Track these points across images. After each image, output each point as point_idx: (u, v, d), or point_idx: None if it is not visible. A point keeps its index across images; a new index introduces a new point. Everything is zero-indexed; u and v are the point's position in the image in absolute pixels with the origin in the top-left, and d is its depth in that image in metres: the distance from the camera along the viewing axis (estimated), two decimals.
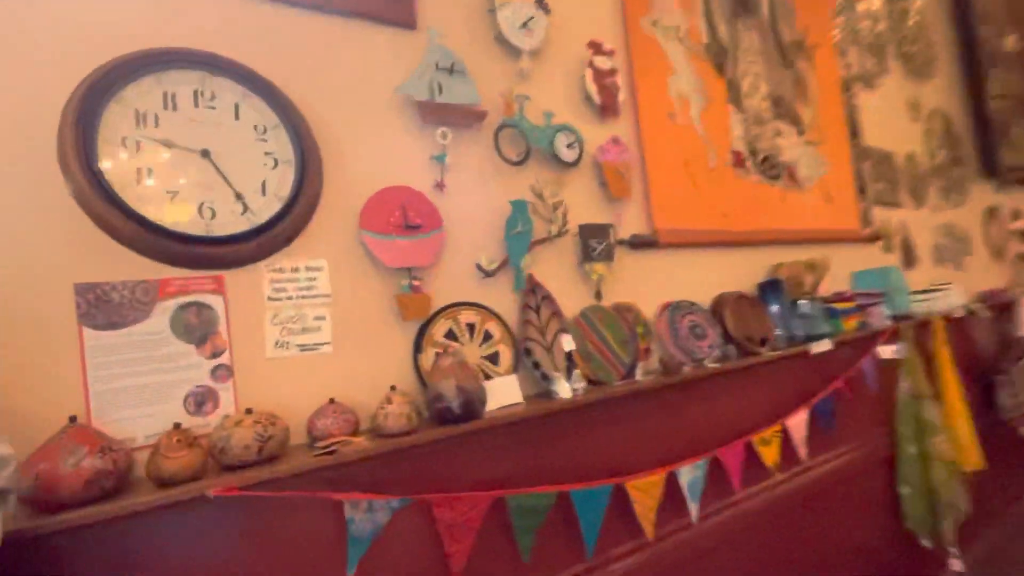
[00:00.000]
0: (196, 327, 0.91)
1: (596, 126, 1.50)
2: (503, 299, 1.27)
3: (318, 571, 0.86)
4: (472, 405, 1.01)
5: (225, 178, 0.96)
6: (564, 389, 1.18)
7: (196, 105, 0.95)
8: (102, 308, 0.84)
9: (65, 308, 0.81)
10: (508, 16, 1.35)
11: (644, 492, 1.22)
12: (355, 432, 0.97)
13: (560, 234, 1.36)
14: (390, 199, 1.12)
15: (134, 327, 0.86)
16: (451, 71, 1.22)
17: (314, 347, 1.02)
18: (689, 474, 1.31)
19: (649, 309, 1.53)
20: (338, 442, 0.90)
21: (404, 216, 1.13)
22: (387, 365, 1.09)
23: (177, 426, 0.81)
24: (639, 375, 1.36)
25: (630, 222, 1.54)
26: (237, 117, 0.98)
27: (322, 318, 1.04)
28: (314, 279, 1.04)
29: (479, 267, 1.23)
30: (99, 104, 0.85)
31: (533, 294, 1.31)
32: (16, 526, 0.64)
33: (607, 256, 1.44)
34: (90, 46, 0.87)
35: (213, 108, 0.96)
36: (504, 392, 1.16)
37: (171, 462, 0.78)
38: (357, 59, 1.15)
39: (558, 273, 1.38)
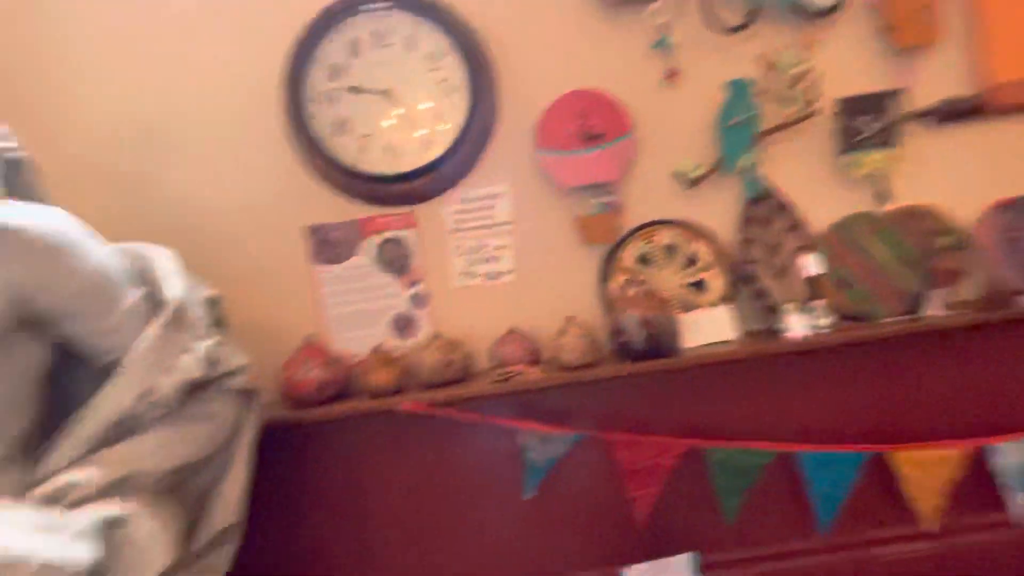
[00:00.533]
0: (395, 260, 1.02)
1: None
2: (717, 214, 1.04)
3: (498, 489, 0.91)
4: (658, 341, 0.88)
5: (407, 116, 1.00)
6: (797, 325, 0.92)
7: (375, 46, 1.00)
8: (326, 246, 1.02)
9: (299, 248, 1.01)
10: None
11: (924, 469, 0.89)
12: (536, 361, 0.96)
13: (804, 117, 1.01)
14: (567, 108, 1.01)
15: (349, 261, 1.02)
16: None
17: (497, 276, 1.03)
18: (1017, 453, 0.90)
19: (966, 212, 1.05)
20: (514, 372, 0.91)
21: (583, 126, 1.00)
22: (571, 293, 1.03)
23: (377, 348, 0.94)
24: (934, 308, 0.96)
25: (933, 83, 1.04)
26: (412, 49, 1.00)
27: (503, 247, 1.03)
28: (494, 206, 1.03)
29: (680, 175, 1.02)
30: (301, 69, 0.98)
31: (759, 203, 1.03)
32: (270, 417, 0.85)
33: (884, 140, 1.02)
34: (292, 12, 0.99)
35: (391, 45, 1.00)
36: (711, 326, 0.98)
37: (373, 378, 0.91)
38: None
39: (801, 172, 1.05)
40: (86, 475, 0.58)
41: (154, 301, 0.69)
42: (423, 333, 1.02)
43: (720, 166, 1.02)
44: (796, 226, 1.03)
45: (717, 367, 0.92)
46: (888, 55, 1.03)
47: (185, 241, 0.86)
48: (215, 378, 0.71)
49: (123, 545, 0.56)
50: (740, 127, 1.00)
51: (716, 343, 0.96)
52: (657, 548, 0.89)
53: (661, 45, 1.01)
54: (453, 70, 1.00)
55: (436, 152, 0.99)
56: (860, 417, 0.93)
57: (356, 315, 1.02)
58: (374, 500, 0.92)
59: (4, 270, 0.58)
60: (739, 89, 1.00)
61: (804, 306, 0.95)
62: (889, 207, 1.05)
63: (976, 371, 0.93)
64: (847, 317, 1.00)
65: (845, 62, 1.03)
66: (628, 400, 0.92)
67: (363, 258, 1.02)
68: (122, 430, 0.62)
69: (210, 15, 1.01)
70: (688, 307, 1.01)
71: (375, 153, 1.00)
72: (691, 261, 1.03)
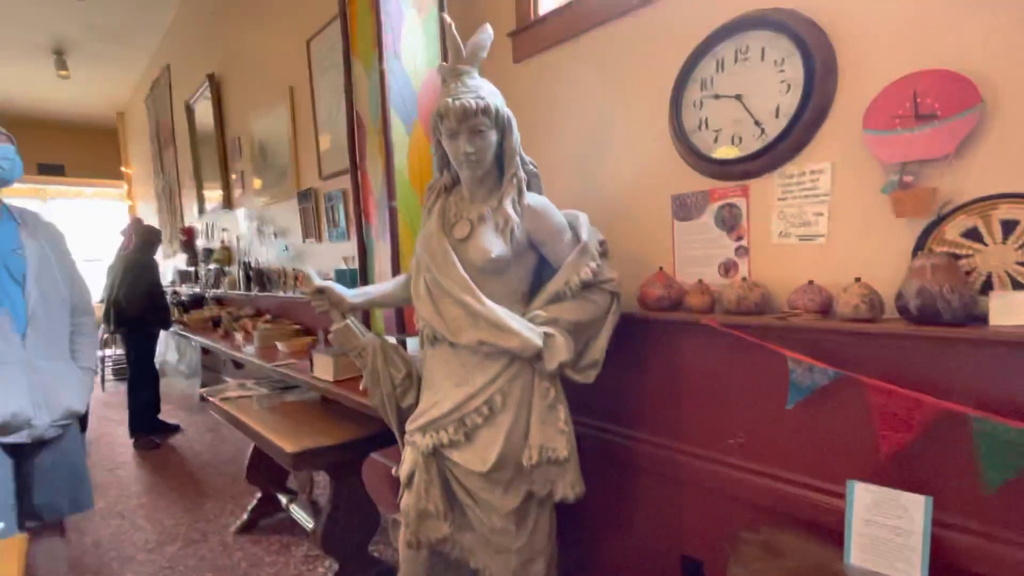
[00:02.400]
0: (728, 220, 1.38)
1: None
2: None
3: (769, 394, 1.22)
4: (931, 310, 0.97)
5: (750, 113, 1.31)
6: None
7: (735, 61, 1.33)
8: (682, 209, 1.47)
9: (666, 209, 1.50)
10: None
11: None
12: (823, 312, 1.17)
13: None
14: (902, 90, 1.08)
15: (696, 220, 1.44)
16: None
17: (810, 238, 1.24)
18: None
19: None
20: (792, 313, 1.17)
21: (915, 106, 1.06)
22: (880, 261, 1.13)
23: (699, 281, 1.36)
24: None
25: None
26: (762, 59, 1.28)
27: (820, 214, 1.23)
28: (816, 180, 1.23)
29: None
30: (682, 87, 1.42)
31: None
32: (628, 312, 1.43)
33: None
34: (685, 46, 1.43)
35: (747, 59, 1.31)
36: None
37: (693, 299, 1.35)
38: None
39: None
40: (541, 314, 1.31)
41: (576, 239, 1.35)
42: (742, 275, 1.36)
43: None
44: None
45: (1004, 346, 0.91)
46: None
47: (594, 203, 1.49)
48: (598, 282, 1.33)
49: (550, 344, 1.27)
50: None
51: None
52: (893, 484, 1.02)
53: None
54: (795, 70, 1.22)
55: (770, 139, 1.27)
56: None
57: (695, 257, 1.45)
58: (683, 377, 1.39)
59: (527, 223, 1.32)
60: None
61: None
62: None
63: None
64: None
65: None
66: (889, 356, 1.03)
67: (706, 218, 1.42)
68: (556, 299, 1.33)
69: (638, 63, 1.56)
70: (1018, 286, 0.97)
71: (723, 143, 1.36)
72: None
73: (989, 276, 1.01)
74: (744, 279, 1.30)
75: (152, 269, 4.03)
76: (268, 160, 3.87)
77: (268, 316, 3.67)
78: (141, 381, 3.94)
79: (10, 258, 1.62)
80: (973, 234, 1.02)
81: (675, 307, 1.41)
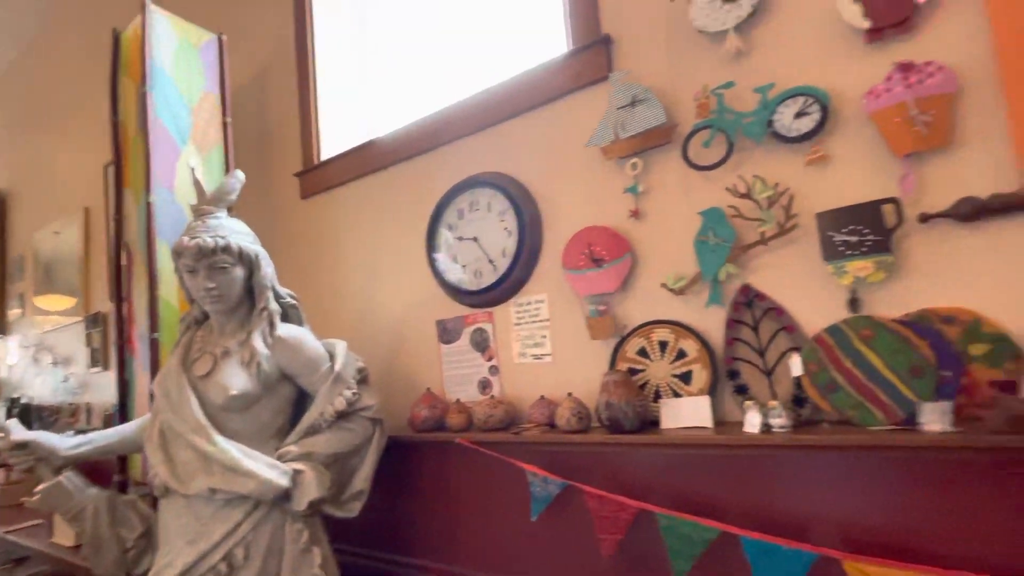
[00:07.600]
0: (480, 342, 1.42)
1: (863, 61, 0.97)
2: (710, 316, 1.11)
3: (515, 509, 1.19)
4: (616, 421, 1.04)
5: (485, 252, 1.41)
6: (751, 422, 0.95)
7: (471, 211, 1.44)
8: (445, 332, 1.49)
9: (433, 333, 1.50)
10: (701, 3, 1.12)
11: None
12: (552, 424, 1.21)
13: (782, 233, 1.01)
14: (581, 240, 1.25)
15: (456, 343, 1.46)
16: (633, 104, 1.18)
17: (541, 357, 1.32)
18: None
19: (1012, 317, 0.85)
20: (525, 428, 1.19)
21: (590, 252, 1.23)
22: (590, 375, 1.23)
23: (457, 401, 1.34)
24: (932, 422, 0.83)
25: (951, 184, 0.89)
26: (489, 210, 1.41)
27: (545, 337, 1.32)
28: (539, 309, 1.33)
29: (665, 287, 1.13)
30: (435, 228, 1.49)
31: (748, 307, 1.06)
32: (398, 435, 1.34)
33: (877, 247, 0.93)
34: (434, 195, 1.52)
35: (478, 209, 1.43)
36: (690, 412, 1.06)
37: (452, 419, 1.32)
38: (561, 129, 1.32)
39: (793, 279, 1.03)
40: (293, 449, 1.16)
41: (332, 368, 1.26)
42: (496, 392, 1.38)
43: (700, 278, 1.10)
44: (789, 328, 1.02)
45: (677, 448, 1.01)
46: (884, 163, 0.95)
47: (372, 330, 1.45)
48: (355, 410, 1.23)
49: (299, 482, 1.11)
50: (714, 247, 1.07)
51: (692, 427, 1.04)
52: None
53: (632, 191, 1.18)
54: (512, 220, 1.35)
55: (500, 274, 1.36)
56: (814, 518, 0.87)
57: (459, 376, 1.45)
58: (451, 496, 1.31)
59: (278, 356, 1.20)
60: (712, 217, 1.07)
61: (764, 406, 0.96)
62: (903, 311, 0.93)
63: (972, 498, 0.77)
64: (838, 421, 0.94)
65: (839, 175, 0.99)
66: (601, 461, 1.09)
67: (464, 340, 1.45)
68: (311, 431, 1.19)
69: (403, 206, 1.63)
70: (676, 394, 1.11)
71: (469, 276, 1.44)
72: (680, 355, 1.12)
73: (658, 387, 1.14)
74: (492, 397, 1.32)
75: None
76: (54, 281, 3.21)
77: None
78: None
79: None
80: (643, 352, 1.17)
81: (440, 427, 1.36)
